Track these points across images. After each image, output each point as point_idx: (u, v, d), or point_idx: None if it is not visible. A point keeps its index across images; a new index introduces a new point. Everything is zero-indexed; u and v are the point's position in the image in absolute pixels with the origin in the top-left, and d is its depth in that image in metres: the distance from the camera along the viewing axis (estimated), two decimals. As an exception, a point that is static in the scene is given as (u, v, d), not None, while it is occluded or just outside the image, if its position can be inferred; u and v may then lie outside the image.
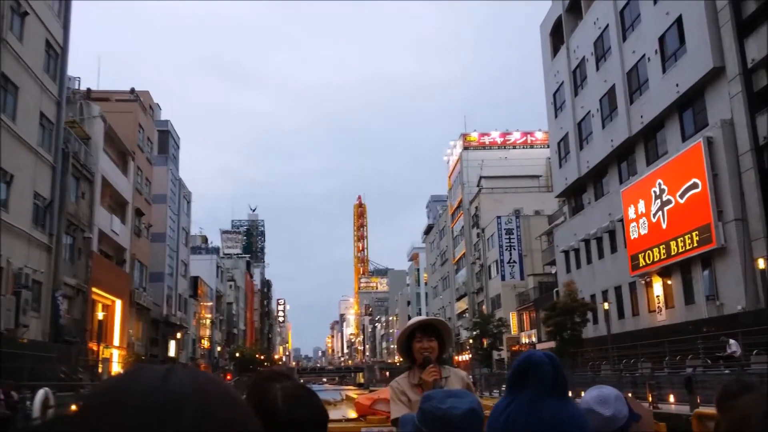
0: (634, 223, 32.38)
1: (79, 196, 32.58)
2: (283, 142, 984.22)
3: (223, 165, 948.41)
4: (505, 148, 72.79)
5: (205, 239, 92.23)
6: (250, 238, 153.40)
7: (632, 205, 32.56)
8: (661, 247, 29.81)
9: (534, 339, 48.89)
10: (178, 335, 50.10)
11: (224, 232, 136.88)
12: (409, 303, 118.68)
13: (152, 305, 46.31)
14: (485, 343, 50.40)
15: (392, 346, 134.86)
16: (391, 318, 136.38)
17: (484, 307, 61.74)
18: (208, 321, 71.04)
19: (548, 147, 71.87)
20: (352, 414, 6.25)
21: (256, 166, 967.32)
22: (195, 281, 63.56)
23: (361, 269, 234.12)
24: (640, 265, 31.80)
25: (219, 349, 73.00)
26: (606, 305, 30.26)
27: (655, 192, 30.32)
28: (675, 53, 29.62)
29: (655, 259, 30.38)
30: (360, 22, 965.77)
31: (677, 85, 29.16)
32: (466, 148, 72.99)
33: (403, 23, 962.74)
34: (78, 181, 32.39)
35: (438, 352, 3.36)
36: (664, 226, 29.63)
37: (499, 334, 48.46)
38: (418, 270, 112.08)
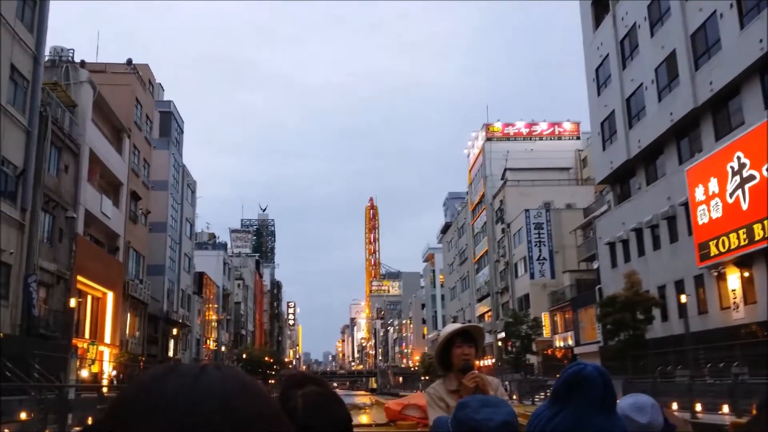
0: (704, 206, 27.81)
1: (62, 168, 28.42)
2: (291, 144, 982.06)
3: (232, 166, 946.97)
4: (531, 139, 68.19)
5: (212, 236, 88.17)
6: (260, 238, 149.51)
7: (701, 185, 27.99)
8: (740, 231, 25.22)
9: (570, 342, 44.29)
10: (174, 331, 45.75)
11: (233, 231, 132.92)
12: (423, 306, 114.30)
13: (150, 300, 42.12)
14: (512, 346, 45.87)
15: (405, 351, 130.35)
16: (404, 321, 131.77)
17: (510, 307, 57.13)
18: (213, 319, 66.85)
19: (578, 138, 67.71)
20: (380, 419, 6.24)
21: (265, 168, 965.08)
22: (200, 277, 59.45)
23: (373, 272, 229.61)
24: (711, 254, 27.21)
25: (224, 349, 68.69)
26: (684, 297, 25.69)
27: (732, 168, 25.76)
28: (759, 3, 25.08)
29: (732, 247, 25.79)
30: (369, 19, 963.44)
31: (761, 41, 24.61)
32: (489, 139, 68.43)
33: (415, 22, 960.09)
34: (60, 152, 28.22)
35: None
36: (744, 206, 25.06)
37: (532, 337, 43.86)
38: (433, 271, 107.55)
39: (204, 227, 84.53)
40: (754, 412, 1.48)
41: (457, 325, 3.54)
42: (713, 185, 27.06)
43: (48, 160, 26.75)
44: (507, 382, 35.69)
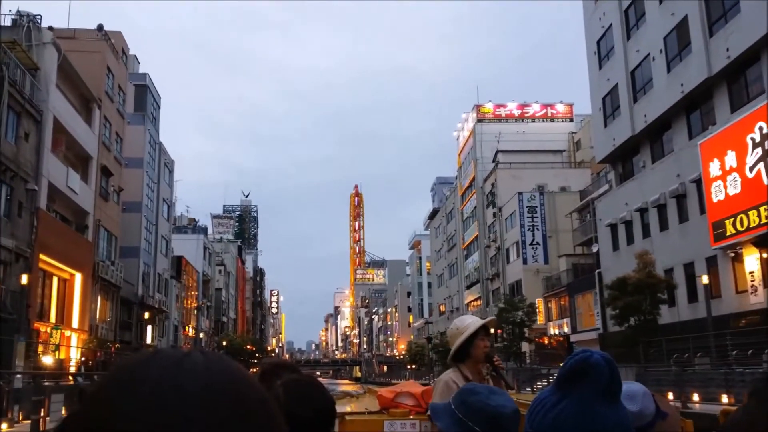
0: (719, 182, 25.81)
1: (21, 136, 25.87)
2: (276, 131, 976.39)
3: (215, 153, 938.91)
4: (523, 121, 66.09)
5: (193, 221, 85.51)
6: (243, 224, 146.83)
7: (716, 160, 25.99)
8: (761, 208, 23.24)
9: (566, 329, 42.38)
10: (146, 315, 43.08)
11: (215, 216, 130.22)
12: (409, 294, 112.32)
13: (123, 283, 39.64)
14: (504, 333, 43.82)
15: (390, 339, 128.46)
16: (389, 310, 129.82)
17: (501, 294, 55.18)
18: (193, 306, 64.40)
19: (571, 121, 65.72)
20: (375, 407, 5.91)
21: (250, 155, 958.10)
22: (178, 261, 56.92)
23: (357, 260, 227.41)
24: (727, 233, 25.25)
25: (202, 336, 66.28)
26: (705, 278, 23.67)
27: (753, 139, 23.75)
28: (784, -40, 23.03)
29: (752, 225, 23.82)
30: (355, 6, 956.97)
31: (787, 0, 22.58)
32: (479, 121, 66.27)
33: (399, 9, 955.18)
34: (19, 118, 25.67)
35: None
36: (766, 181, 23.09)
37: (529, 323, 41.82)
38: (420, 258, 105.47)
39: (184, 211, 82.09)
40: (746, 399, 1.30)
41: (478, 319, 3.67)
42: (730, 159, 25.05)
43: (5, 126, 24.24)
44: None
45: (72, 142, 31.89)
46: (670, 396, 19.99)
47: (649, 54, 32.01)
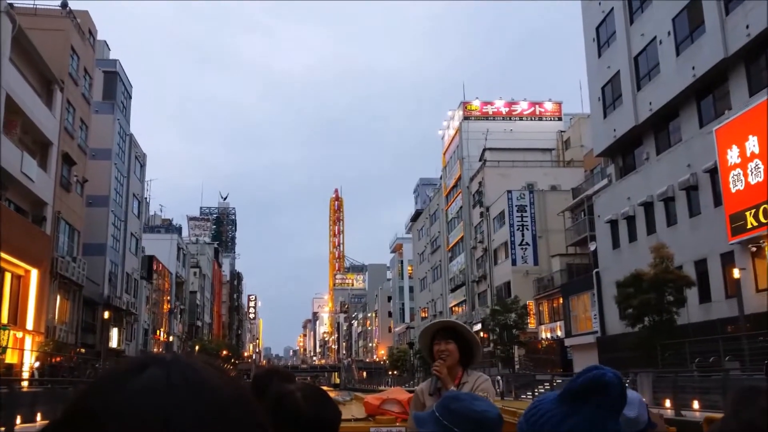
0: (738, 170, 23.66)
1: (-35, 112, 23.12)
2: (254, 132, 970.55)
3: (191, 153, 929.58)
4: (510, 119, 63.99)
5: (167, 222, 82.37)
6: (220, 227, 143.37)
7: (734, 147, 23.83)
8: (790, 197, 21.13)
9: (560, 333, 40.09)
10: (106, 314, 39.82)
11: (192, 218, 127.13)
12: (390, 298, 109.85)
13: (87, 282, 36.70)
14: (493, 335, 41.51)
15: (370, 344, 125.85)
16: (369, 315, 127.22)
17: (489, 297, 52.90)
18: (165, 308, 61.38)
19: (559, 119, 63.77)
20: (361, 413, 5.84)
21: (227, 157, 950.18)
22: (149, 261, 53.91)
23: (337, 265, 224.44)
24: (747, 227, 23.09)
25: (171, 339, 63.23)
26: (737, 272, 21.44)
27: (778, 122, 21.64)
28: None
29: (777, 216, 21.69)
30: (335, 7, 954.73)
31: (818, -31, 20.56)
32: (466, 119, 64.06)
33: (380, 9, 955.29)
34: (-37, 91, 22.92)
35: (460, 355, 3.43)
36: (795, 167, 20.96)
37: (522, 326, 39.47)
38: (401, 262, 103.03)
39: (157, 210, 79.11)
40: (728, 408, 1.34)
41: (435, 321, 3.61)
42: (752, 145, 22.90)
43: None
44: (499, 378, 31.35)
45: (29, 124, 29.04)
46: (696, 405, 17.72)
47: (655, 37, 29.91)
